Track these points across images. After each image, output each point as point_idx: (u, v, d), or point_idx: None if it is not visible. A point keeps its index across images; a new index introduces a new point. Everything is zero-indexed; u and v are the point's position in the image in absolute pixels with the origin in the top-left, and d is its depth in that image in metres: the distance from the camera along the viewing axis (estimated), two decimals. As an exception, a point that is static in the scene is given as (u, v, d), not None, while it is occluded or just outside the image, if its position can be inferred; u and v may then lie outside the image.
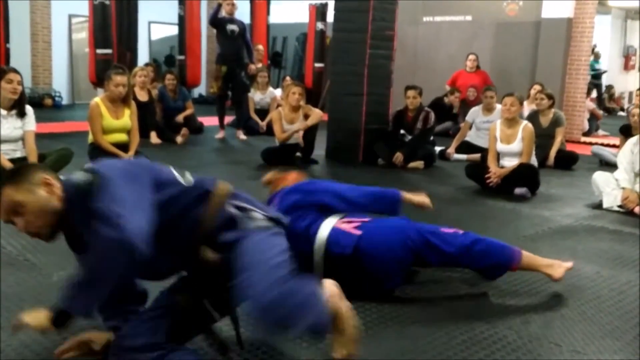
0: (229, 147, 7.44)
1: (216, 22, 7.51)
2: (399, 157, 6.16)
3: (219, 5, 7.47)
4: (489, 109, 6.97)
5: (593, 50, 11.40)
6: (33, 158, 4.48)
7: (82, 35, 11.42)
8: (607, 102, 13.95)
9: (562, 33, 9.10)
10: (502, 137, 5.15)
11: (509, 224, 4.16)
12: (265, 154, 6.10)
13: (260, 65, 9.26)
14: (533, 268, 2.82)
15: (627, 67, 15.68)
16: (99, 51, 8.42)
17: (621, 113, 13.63)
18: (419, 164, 6.20)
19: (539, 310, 2.62)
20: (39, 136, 4.75)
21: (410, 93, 6.33)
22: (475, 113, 7.08)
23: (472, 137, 7.07)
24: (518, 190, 5.00)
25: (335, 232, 2.61)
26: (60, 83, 11.72)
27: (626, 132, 6.42)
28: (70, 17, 11.78)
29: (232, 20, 7.53)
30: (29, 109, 4.60)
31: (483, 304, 2.67)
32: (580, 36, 9.12)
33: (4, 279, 2.69)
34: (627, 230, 4.05)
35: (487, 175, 5.04)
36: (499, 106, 6.46)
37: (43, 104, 10.89)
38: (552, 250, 3.52)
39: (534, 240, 3.75)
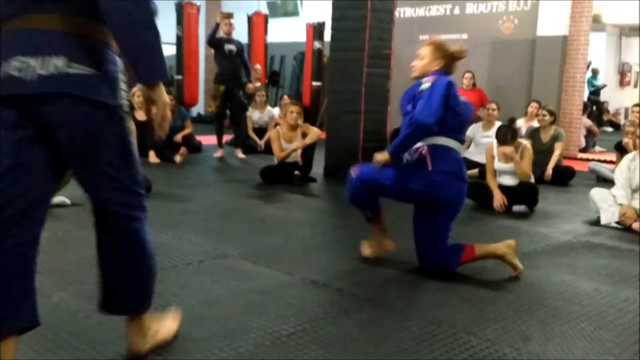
0: (227, 166, 7.46)
1: (214, 42, 7.57)
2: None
3: (217, 26, 7.54)
4: (489, 123, 6.97)
5: (589, 66, 11.49)
6: None
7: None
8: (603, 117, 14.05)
9: (557, 50, 9.20)
10: (500, 155, 5.17)
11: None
12: (264, 172, 6.13)
13: (258, 84, 9.31)
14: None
15: (622, 83, 15.81)
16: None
17: (607, 129, 13.71)
18: (417, 181, 6.22)
19: (539, 328, 2.62)
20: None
21: (409, 111, 6.36)
22: (475, 128, 7.11)
23: (470, 152, 7.10)
24: (516, 207, 5.02)
25: None
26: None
27: (621, 148, 6.46)
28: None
29: (230, 40, 7.59)
30: None
31: (482, 321, 2.67)
32: (576, 53, 9.22)
33: None
34: (625, 247, 4.07)
35: (495, 206, 5.05)
36: (498, 123, 6.51)
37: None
38: (551, 267, 3.53)
39: (532, 257, 3.75)
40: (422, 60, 3.31)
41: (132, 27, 1.77)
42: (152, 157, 7.19)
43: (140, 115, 7.25)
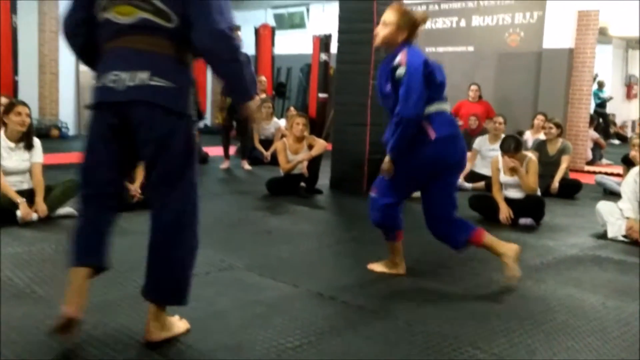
0: (233, 177, 7.48)
1: None
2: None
3: None
4: (495, 137, 6.93)
5: (595, 79, 11.48)
6: (40, 190, 4.52)
7: (89, 67, 11.58)
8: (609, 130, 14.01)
9: (563, 63, 9.21)
10: (506, 169, 5.16)
11: (514, 254, 4.16)
12: (270, 184, 6.14)
13: (264, 96, 9.35)
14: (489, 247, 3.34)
15: (629, 96, 15.78)
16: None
17: (615, 141, 13.68)
18: (423, 193, 6.22)
19: (545, 342, 2.61)
20: (46, 167, 4.80)
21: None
22: (482, 141, 7.10)
23: (477, 165, 7.09)
24: (523, 221, 5.01)
25: None
26: (66, 114, 11.85)
27: (628, 161, 6.44)
28: (78, 49, 11.94)
29: None
30: (36, 141, 4.65)
31: (488, 335, 2.66)
32: (582, 66, 9.22)
33: (10, 312, 2.70)
34: (632, 261, 4.05)
35: (501, 219, 5.04)
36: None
37: (49, 135, 10.99)
38: (557, 281, 3.52)
39: (538, 270, 3.74)
40: (386, 28, 3.26)
41: (221, 62, 2.24)
42: (159, 168, 7.21)
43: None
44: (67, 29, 2.39)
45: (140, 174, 5.19)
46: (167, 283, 2.36)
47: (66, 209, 4.68)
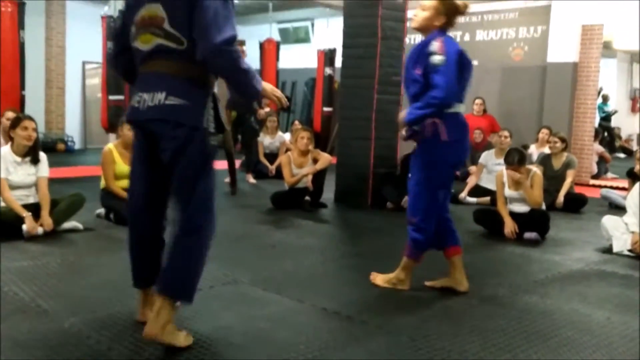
0: (238, 191, 7.48)
1: None
2: (407, 201, 6.17)
3: None
4: (501, 151, 6.90)
5: (599, 92, 11.49)
6: (46, 204, 4.54)
7: (95, 81, 11.68)
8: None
9: (567, 77, 9.22)
10: (510, 183, 5.16)
11: (519, 269, 4.15)
12: (275, 198, 6.15)
13: (268, 109, 9.39)
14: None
15: (634, 109, 15.76)
16: (111, 97, 8.59)
17: (620, 155, 13.66)
18: (428, 207, 6.21)
19: (550, 358, 2.60)
20: (51, 181, 4.82)
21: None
22: (488, 156, 7.09)
23: (482, 180, 7.07)
24: (528, 235, 5.00)
25: None
26: (72, 128, 11.92)
27: (634, 175, 6.42)
28: (84, 63, 12.05)
29: None
30: (42, 155, 4.68)
31: (493, 350, 2.65)
32: (586, 80, 9.23)
33: (15, 326, 2.71)
34: (637, 275, 4.02)
35: (506, 233, 5.03)
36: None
37: (56, 148, 11.04)
38: (562, 296, 3.50)
39: (544, 285, 3.73)
40: (425, 12, 3.26)
41: (223, 73, 2.48)
42: (164, 182, 7.23)
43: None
44: (111, 60, 2.84)
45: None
46: (175, 278, 2.51)
47: (71, 223, 4.70)
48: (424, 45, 3.20)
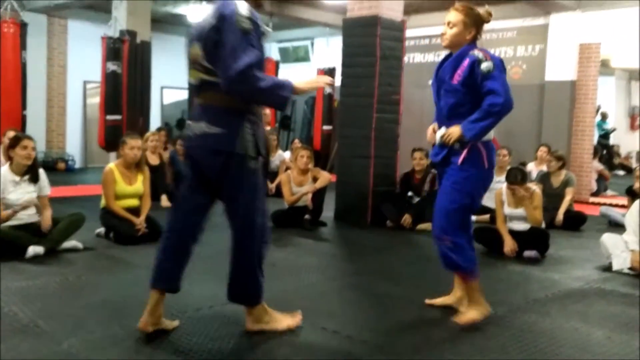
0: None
1: None
2: (407, 219, 6.20)
3: None
4: (501, 169, 6.92)
5: (598, 110, 11.54)
6: (47, 224, 4.55)
7: (96, 100, 11.72)
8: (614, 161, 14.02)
9: (566, 95, 9.27)
10: (510, 201, 5.17)
11: (519, 287, 4.15)
12: (275, 216, 6.14)
13: (268, 128, 9.43)
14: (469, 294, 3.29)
15: (633, 127, 15.82)
16: (108, 117, 8.63)
17: (619, 172, 13.69)
18: (428, 225, 6.18)
19: (551, 377, 2.59)
20: (51, 200, 4.84)
21: (417, 155, 6.43)
22: None
23: (483, 198, 7.05)
24: (527, 253, 4.99)
25: None
26: (73, 147, 11.97)
27: (633, 193, 6.43)
28: (85, 83, 12.13)
29: None
30: (41, 173, 4.70)
31: (493, 370, 2.64)
32: (585, 98, 9.28)
33: (15, 347, 2.70)
34: (637, 294, 4.02)
35: (505, 252, 5.03)
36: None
37: (56, 167, 11.08)
38: (562, 314, 3.50)
39: (544, 304, 3.72)
40: (453, 28, 3.23)
41: (244, 98, 2.71)
42: (164, 201, 7.24)
43: (153, 160, 7.34)
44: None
45: (145, 209, 5.23)
46: (236, 289, 2.96)
47: (71, 243, 4.70)
48: (461, 56, 3.17)
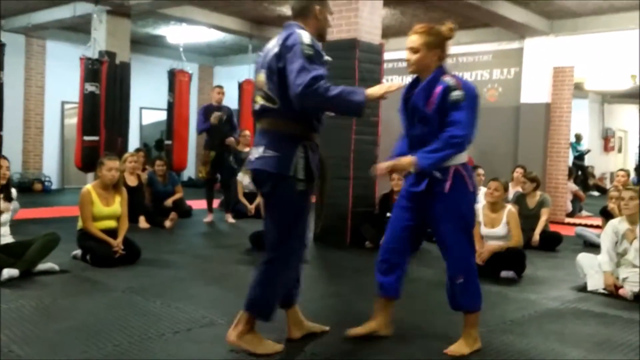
0: (217, 231, 7.47)
1: (206, 113, 7.78)
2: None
3: (205, 108, 7.83)
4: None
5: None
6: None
7: (74, 120, 11.64)
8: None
9: (541, 117, 9.44)
10: (486, 221, 5.24)
11: (496, 308, 4.17)
12: (254, 237, 6.12)
13: (247, 149, 9.44)
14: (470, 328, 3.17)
15: (606, 148, 16.11)
16: (86, 138, 8.56)
17: (594, 193, 13.91)
18: (406, 246, 6.24)
19: (527, 398, 2.61)
20: (28, 221, 4.79)
21: (395, 176, 6.47)
22: None
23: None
24: (504, 273, 5.04)
25: None
26: (50, 168, 11.85)
27: (607, 213, 6.55)
28: (63, 103, 12.05)
29: (220, 108, 7.81)
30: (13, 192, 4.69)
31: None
32: (559, 120, 9.46)
33: (-12, 371, 2.66)
34: (612, 313, 4.08)
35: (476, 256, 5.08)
36: (483, 188, 6.59)
37: (32, 188, 10.95)
38: (539, 335, 3.53)
39: (521, 324, 3.76)
40: (417, 53, 3.08)
41: (317, 110, 2.94)
42: (142, 222, 7.20)
43: (131, 181, 7.30)
44: None
45: (123, 230, 5.19)
46: (256, 300, 3.03)
47: (47, 265, 4.63)
48: (433, 82, 3.04)
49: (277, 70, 2.84)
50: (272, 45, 2.95)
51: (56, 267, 4.67)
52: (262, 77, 2.94)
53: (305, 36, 2.84)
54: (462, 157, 3.09)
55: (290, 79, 2.76)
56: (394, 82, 3.04)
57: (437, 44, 3.10)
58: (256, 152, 2.97)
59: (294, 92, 2.74)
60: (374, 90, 2.89)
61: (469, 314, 3.16)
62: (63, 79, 11.24)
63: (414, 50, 3.10)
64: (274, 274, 2.98)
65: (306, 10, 3.00)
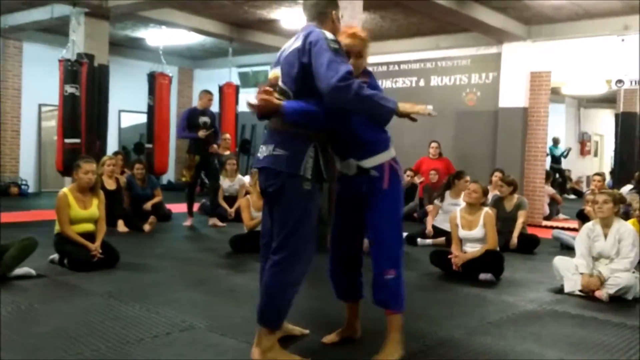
0: (197, 235, 7.43)
1: (189, 117, 7.77)
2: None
3: (189, 112, 7.80)
4: (457, 194, 7.01)
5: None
6: None
7: (52, 123, 11.53)
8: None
9: (518, 121, 9.55)
10: (464, 223, 5.29)
11: (475, 310, 4.21)
12: (234, 241, 6.12)
13: (227, 152, 9.43)
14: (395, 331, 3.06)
15: (583, 152, 16.33)
16: (67, 140, 8.48)
17: (571, 196, 14.10)
18: (386, 249, 6.25)
19: (505, 399, 2.64)
20: (4, 225, 4.72)
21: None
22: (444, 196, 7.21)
23: (437, 220, 7.17)
24: (483, 276, 5.09)
25: None
26: (27, 171, 11.69)
27: (583, 216, 6.64)
28: (40, 106, 11.91)
29: (204, 112, 7.82)
30: None
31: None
32: (536, 124, 9.58)
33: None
34: (588, 315, 4.14)
35: (450, 256, 5.13)
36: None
37: (9, 192, 10.80)
38: (516, 337, 3.57)
39: (499, 326, 3.80)
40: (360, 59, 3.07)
41: (347, 105, 2.77)
42: (121, 226, 7.14)
43: (110, 184, 7.25)
44: None
45: (101, 234, 5.15)
46: (263, 309, 2.94)
47: (24, 269, 4.58)
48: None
49: (299, 64, 2.79)
50: (291, 43, 2.91)
51: (33, 272, 4.62)
52: (277, 72, 2.91)
53: (328, 33, 2.82)
54: (393, 152, 3.09)
55: (320, 72, 2.69)
56: (429, 107, 2.93)
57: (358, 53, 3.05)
58: (266, 151, 2.92)
59: (326, 84, 2.65)
60: (406, 106, 2.86)
61: (394, 316, 3.06)
62: (40, 82, 11.12)
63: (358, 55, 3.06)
64: (281, 279, 2.89)
65: (323, 15, 2.99)
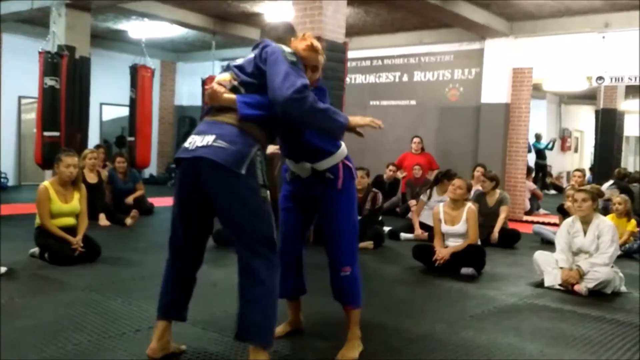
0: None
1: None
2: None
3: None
4: (442, 189, 7.02)
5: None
6: None
7: (31, 116, 11.39)
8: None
9: (500, 117, 9.62)
10: (447, 218, 5.33)
11: (456, 304, 4.25)
12: (217, 235, 6.09)
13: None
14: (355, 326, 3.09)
15: (563, 148, 16.50)
16: (46, 133, 8.38)
17: (551, 192, 14.25)
18: (369, 244, 6.30)
19: (486, 391, 2.67)
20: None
21: (358, 174, 6.51)
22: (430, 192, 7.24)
23: (424, 216, 7.18)
24: (464, 270, 5.13)
25: None
26: (6, 164, 11.53)
27: (564, 211, 6.72)
28: (20, 98, 11.76)
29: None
30: None
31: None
32: (518, 120, 9.66)
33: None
34: (567, 308, 4.19)
35: (434, 258, 5.16)
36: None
37: (-13, 185, 10.66)
38: (497, 330, 3.61)
39: (480, 319, 3.83)
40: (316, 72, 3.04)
41: (301, 118, 2.69)
42: (103, 220, 7.09)
43: (91, 178, 7.19)
44: None
45: (82, 228, 5.11)
46: (244, 320, 2.72)
47: (1, 269, 4.50)
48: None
49: (254, 66, 2.74)
50: (250, 54, 2.84)
51: (2, 269, 4.48)
52: (227, 75, 2.81)
53: (286, 47, 2.78)
54: (345, 150, 3.09)
55: (275, 81, 2.61)
56: (377, 120, 2.87)
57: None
58: (200, 141, 2.66)
59: (280, 94, 2.57)
60: (356, 119, 2.83)
61: (353, 311, 3.10)
62: (20, 74, 10.95)
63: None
64: (259, 288, 2.69)
65: (282, 40, 2.90)
